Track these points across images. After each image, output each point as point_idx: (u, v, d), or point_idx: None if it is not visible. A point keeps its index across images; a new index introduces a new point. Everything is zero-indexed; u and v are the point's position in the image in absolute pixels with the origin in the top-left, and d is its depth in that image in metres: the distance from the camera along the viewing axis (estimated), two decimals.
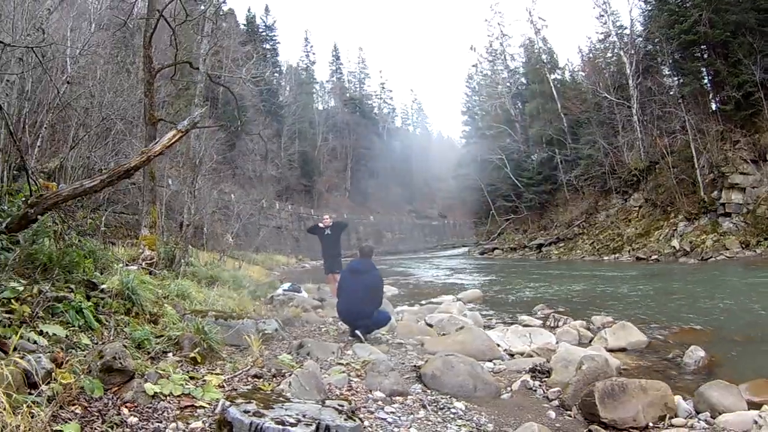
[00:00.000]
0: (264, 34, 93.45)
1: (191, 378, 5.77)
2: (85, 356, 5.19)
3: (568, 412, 6.37)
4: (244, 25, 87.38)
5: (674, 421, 6.04)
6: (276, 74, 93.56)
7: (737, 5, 38.29)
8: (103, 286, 7.34)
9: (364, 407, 5.81)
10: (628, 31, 52.25)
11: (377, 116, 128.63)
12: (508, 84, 72.55)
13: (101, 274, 8.29)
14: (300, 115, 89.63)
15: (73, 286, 6.78)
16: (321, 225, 17.94)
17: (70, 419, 4.16)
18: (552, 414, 6.30)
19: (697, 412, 6.35)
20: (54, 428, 3.87)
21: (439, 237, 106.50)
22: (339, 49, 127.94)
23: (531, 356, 9.46)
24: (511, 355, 9.82)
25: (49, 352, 5.07)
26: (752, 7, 37.83)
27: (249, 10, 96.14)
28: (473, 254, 63.01)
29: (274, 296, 15.79)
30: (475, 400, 6.59)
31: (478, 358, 8.38)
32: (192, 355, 6.52)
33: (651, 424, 5.92)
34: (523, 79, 70.82)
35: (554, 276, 27.96)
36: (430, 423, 5.63)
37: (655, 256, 36.57)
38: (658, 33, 44.15)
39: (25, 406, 3.76)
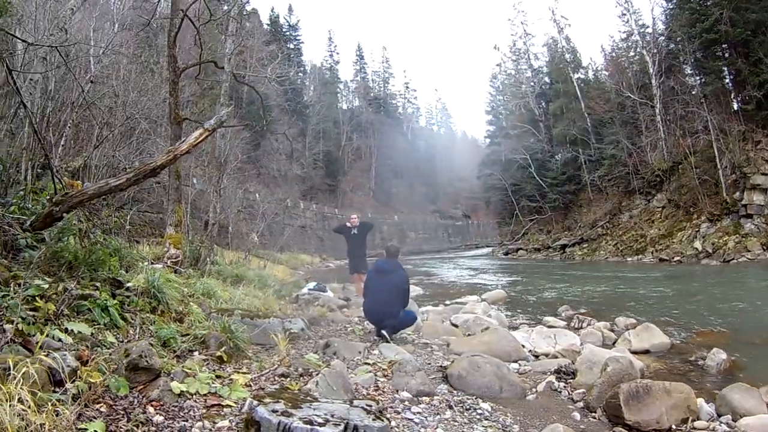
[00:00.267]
0: (288, 33, 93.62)
1: (217, 377, 5.74)
2: (110, 354, 5.16)
3: (593, 414, 6.35)
4: (268, 24, 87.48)
5: (696, 423, 6.02)
6: (300, 74, 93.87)
7: (757, 3, 37.89)
8: (129, 284, 7.33)
9: (391, 407, 5.80)
10: (650, 30, 51.92)
11: (401, 116, 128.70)
12: (532, 83, 72.13)
13: (126, 272, 8.28)
14: (324, 115, 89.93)
15: (98, 284, 6.77)
16: (348, 224, 17.95)
17: (95, 418, 4.13)
18: (577, 415, 6.29)
19: (719, 415, 6.33)
20: (79, 427, 3.83)
21: (463, 237, 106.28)
22: (363, 48, 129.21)
23: (556, 357, 9.39)
24: (536, 356, 9.74)
25: (75, 350, 5.04)
26: None
27: (272, 10, 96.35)
28: (497, 255, 62.86)
29: (299, 295, 15.74)
30: (500, 401, 6.57)
31: (504, 358, 8.36)
32: (218, 353, 6.48)
33: (674, 427, 5.91)
34: (546, 79, 70.45)
35: (577, 277, 27.80)
36: (456, 424, 5.61)
37: (678, 258, 36.22)
38: (680, 32, 43.73)
39: (50, 404, 3.74)
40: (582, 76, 64.39)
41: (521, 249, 59.24)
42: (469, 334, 11.21)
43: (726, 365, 8.64)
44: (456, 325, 12.41)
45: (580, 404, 6.70)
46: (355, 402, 4.59)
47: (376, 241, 54.86)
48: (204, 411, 4.82)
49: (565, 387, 7.43)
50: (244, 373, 6.13)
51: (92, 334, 5.63)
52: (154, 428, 4.30)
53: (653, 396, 5.96)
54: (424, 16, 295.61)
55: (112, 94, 23.97)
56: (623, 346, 10.20)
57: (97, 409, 4.30)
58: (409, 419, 5.53)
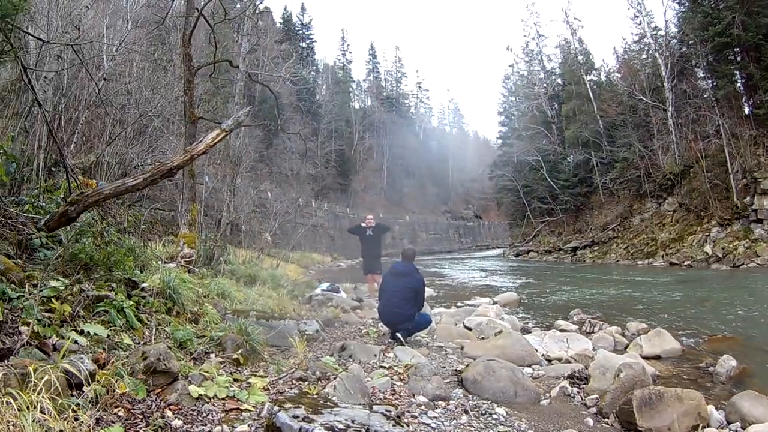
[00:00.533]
0: (300, 32, 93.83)
1: (235, 380, 5.73)
2: (127, 357, 5.13)
3: (606, 420, 6.33)
4: (281, 23, 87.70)
5: (707, 431, 6.00)
6: (313, 73, 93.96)
7: None
8: (144, 285, 7.31)
9: (408, 412, 5.80)
10: (662, 33, 51.46)
11: (414, 115, 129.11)
12: (545, 85, 71.92)
13: (141, 272, 8.27)
14: (337, 114, 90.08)
15: (113, 285, 6.75)
16: (363, 225, 17.92)
17: (113, 422, 4.11)
18: (590, 421, 6.27)
19: (728, 423, 6.33)
20: (97, 431, 3.81)
21: (474, 238, 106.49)
22: (375, 48, 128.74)
23: (569, 362, 9.33)
24: (549, 361, 9.71)
25: (91, 352, 5.03)
26: None
27: (285, 9, 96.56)
28: (508, 256, 62.79)
29: (312, 296, 15.72)
30: (515, 406, 6.54)
31: (518, 363, 8.34)
32: (235, 356, 6.47)
33: None
34: (559, 80, 70.06)
35: (588, 280, 27.73)
36: (473, 429, 5.61)
37: (688, 262, 36.03)
38: (692, 35, 43.47)
39: (70, 410, 3.71)
40: (594, 78, 64.16)
41: (532, 251, 59.14)
42: (482, 338, 11.22)
43: (736, 372, 8.58)
44: (469, 328, 12.34)
45: (593, 410, 6.68)
46: (375, 407, 4.59)
47: (387, 240, 54.92)
48: (222, 415, 4.80)
49: (578, 392, 7.39)
50: (262, 376, 6.12)
51: (108, 336, 5.60)
52: None
53: (665, 403, 5.96)
54: (437, 16, 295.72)
55: (125, 92, 24.02)
56: (635, 351, 10.16)
57: (115, 413, 4.27)
58: (426, 424, 5.51)
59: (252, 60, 42.47)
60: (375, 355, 8.17)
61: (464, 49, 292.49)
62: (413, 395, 6.40)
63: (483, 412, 6.16)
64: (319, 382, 6.18)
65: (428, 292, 19.05)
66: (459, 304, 17.30)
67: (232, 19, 29.54)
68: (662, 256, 39.51)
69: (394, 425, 4.18)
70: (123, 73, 26.28)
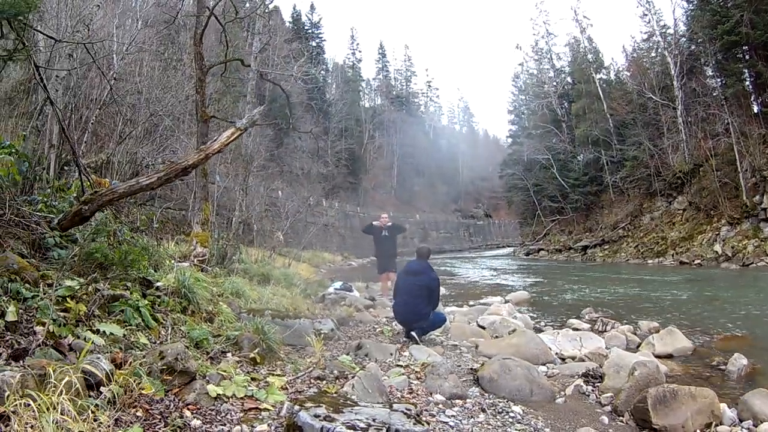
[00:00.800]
0: (310, 31, 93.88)
1: (253, 379, 5.73)
2: (144, 357, 5.10)
3: (621, 418, 6.35)
4: (290, 22, 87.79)
5: (719, 428, 6.02)
6: (323, 72, 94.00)
7: None
8: (159, 284, 7.31)
9: (426, 410, 5.81)
10: (671, 31, 51.54)
11: (423, 114, 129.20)
12: (555, 83, 71.84)
13: (155, 271, 8.26)
14: (347, 113, 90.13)
15: (128, 284, 6.75)
16: (375, 224, 17.89)
17: (131, 422, 4.08)
18: (605, 419, 6.29)
19: (741, 420, 6.32)
20: None
21: (484, 237, 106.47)
22: (385, 47, 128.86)
23: (582, 360, 9.32)
24: (563, 359, 9.70)
25: (108, 352, 5.01)
26: None
27: (294, 8, 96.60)
28: (518, 255, 62.97)
29: (325, 295, 15.72)
30: (531, 405, 6.57)
31: (532, 361, 8.32)
32: (252, 355, 6.47)
33: None
34: (569, 79, 69.96)
35: (598, 279, 27.74)
36: (490, 427, 5.63)
37: (698, 261, 36.09)
38: (701, 33, 43.54)
39: (89, 411, 3.70)
40: (604, 77, 64.04)
41: (542, 249, 59.29)
42: (496, 336, 11.24)
43: (747, 370, 8.63)
44: (483, 327, 12.33)
45: (608, 408, 6.70)
46: (395, 406, 4.60)
47: (398, 240, 54.93)
48: (241, 415, 4.78)
49: (593, 390, 7.40)
50: (279, 375, 6.12)
51: (124, 335, 5.59)
52: None
53: (679, 401, 5.97)
54: (447, 14, 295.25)
55: (136, 91, 24.07)
56: (647, 349, 10.16)
57: (133, 414, 4.25)
58: (444, 422, 5.53)
59: (262, 59, 42.47)
60: (391, 354, 8.19)
61: (474, 48, 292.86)
62: (430, 394, 6.40)
63: (500, 410, 6.18)
64: (337, 380, 6.19)
65: (440, 290, 19.11)
66: (471, 302, 17.34)
67: (242, 18, 29.53)
68: (672, 255, 39.60)
69: (414, 423, 4.17)
70: (133, 72, 26.33)
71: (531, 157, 64.73)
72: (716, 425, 5.99)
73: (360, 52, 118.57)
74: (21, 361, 4.24)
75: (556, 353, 9.92)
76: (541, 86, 73.13)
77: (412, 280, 10.21)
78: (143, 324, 6.10)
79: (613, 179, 53.92)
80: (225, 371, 5.57)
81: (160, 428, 4.17)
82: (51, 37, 12.62)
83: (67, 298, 5.53)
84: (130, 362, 4.84)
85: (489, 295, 19.56)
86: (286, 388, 5.70)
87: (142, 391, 4.53)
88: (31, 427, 3.34)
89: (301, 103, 58.37)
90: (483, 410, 6.07)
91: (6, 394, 3.50)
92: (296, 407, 4.16)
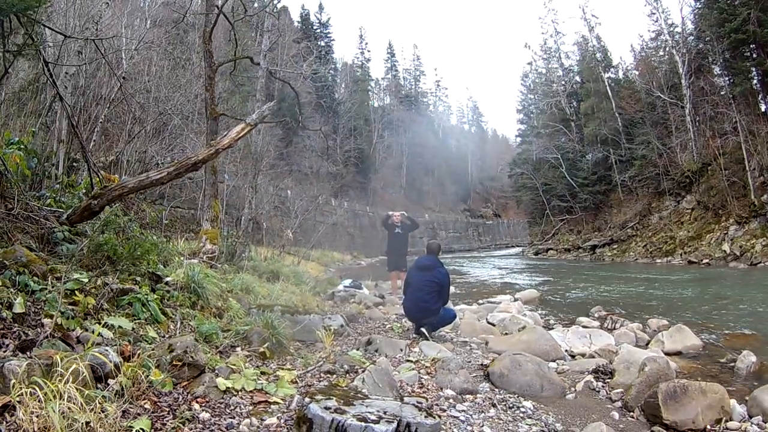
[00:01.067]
0: (318, 31, 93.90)
1: (262, 373, 5.74)
2: (153, 349, 5.11)
3: (631, 414, 6.32)
4: (298, 22, 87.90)
5: (729, 424, 5.96)
6: (331, 71, 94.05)
7: None
8: (168, 279, 7.34)
9: (437, 405, 5.81)
10: (679, 30, 51.35)
11: (432, 114, 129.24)
12: (563, 82, 71.62)
13: (165, 267, 8.27)
14: (356, 112, 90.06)
15: (138, 279, 6.77)
16: (391, 213, 17.87)
17: (139, 414, 4.06)
18: (616, 415, 6.26)
19: (750, 416, 6.28)
20: (124, 424, 3.74)
21: (493, 236, 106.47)
22: (394, 46, 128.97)
23: (592, 357, 9.31)
24: (572, 356, 9.68)
25: (116, 344, 4.99)
26: None
27: (303, 7, 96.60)
28: (527, 254, 62.93)
29: (334, 292, 15.75)
30: (541, 400, 6.56)
31: (542, 358, 8.26)
32: (261, 349, 6.47)
33: (708, 427, 5.87)
34: (577, 78, 69.82)
35: (607, 278, 27.67)
36: (501, 422, 5.62)
37: (707, 260, 36.02)
38: (708, 32, 43.39)
39: (97, 401, 3.66)
40: (612, 76, 63.92)
41: (551, 249, 59.18)
42: (506, 333, 11.18)
43: (756, 368, 8.59)
44: (493, 324, 12.32)
45: (619, 404, 6.68)
46: (406, 399, 4.71)
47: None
48: (251, 408, 4.78)
49: (603, 386, 7.37)
50: (289, 369, 6.13)
51: (133, 329, 5.58)
52: (200, 425, 4.24)
53: (690, 396, 5.96)
54: (455, 14, 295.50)
55: (144, 90, 24.14)
56: (657, 347, 10.12)
57: (141, 406, 4.23)
58: (455, 417, 5.52)
59: (271, 58, 42.57)
60: (401, 350, 8.19)
61: (482, 48, 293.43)
62: (441, 389, 6.40)
63: (510, 405, 6.16)
64: (348, 375, 6.21)
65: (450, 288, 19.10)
66: (480, 301, 17.30)
67: (251, 17, 29.59)
68: (681, 255, 39.54)
69: (426, 416, 4.18)
70: (142, 71, 26.41)
71: (540, 156, 64.69)
72: (726, 421, 5.96)
73: (369, 51, 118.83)
74: (28, 353, 4.24)
75: (566, 350, 9.89)
76: (549, 85, 73.04)
77: (422, 276, 10.18)
78: (152, 318, 6.12)
79: (622, 178, 53.81)
80: (234, 365, 5.58)
81: (168, 420, 4.15)
82: (60, 33, 12.64)
83: (76, 291, 5.56)
84: (139, 355, 4.85)
85: (498, 294, 19.50)
86: (296, 382, 5.70)
87: (155, 380, 4.54)
88: (37, 416, 3.31)
89: (309, 103, 58.45)
90: (494, 405, 6.06)
91: (12, 383, 3.49)
92: (306, 399, 4.16)
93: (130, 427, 3.75)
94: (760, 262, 31.79)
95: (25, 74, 17.77)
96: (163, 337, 5.87)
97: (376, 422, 3.82)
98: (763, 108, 41.81)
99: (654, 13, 54.53)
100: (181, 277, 7.48)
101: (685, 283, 23.57)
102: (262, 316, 7.42)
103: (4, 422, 3.33)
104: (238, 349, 6.48)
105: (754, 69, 41.98)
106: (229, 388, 4.96)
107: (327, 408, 3.95)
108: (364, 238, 58.77)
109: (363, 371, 5.98)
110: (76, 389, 3.56)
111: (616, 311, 14.68)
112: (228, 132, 8.72)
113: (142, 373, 4.49)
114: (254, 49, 37.89)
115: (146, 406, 4.26)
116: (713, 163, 41.74)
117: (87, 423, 3.42)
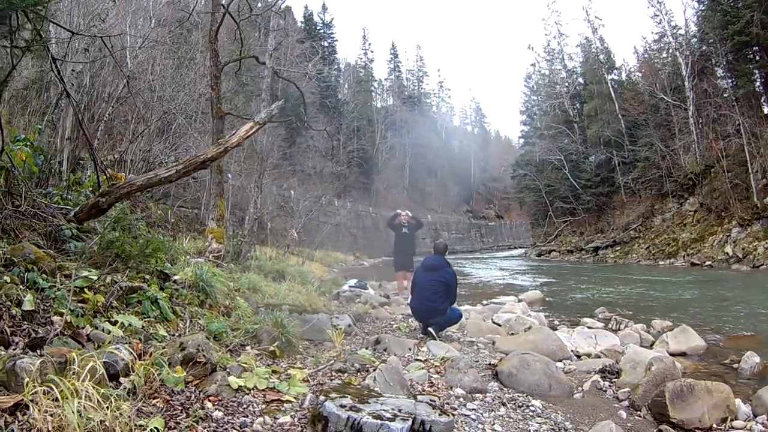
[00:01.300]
0: (322, 31, 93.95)
1: (274, 372, 5.74)
2: (164, 348, 5.11)
3: (638, 413, 6.39)
4: (302, 22, 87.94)
5: (734, 423, 6.03)
6: (335, 72, 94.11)
7: None
8: (176, 277, 7.34)
9: (447, 403, 5.84)
10: (682, 32, 51.56)
11: (435, 115, 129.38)
12: (567, 84, 71.75)
13: (172, 265, 8.26)
14: (359, 113, 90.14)
15: (146, 277, 6.75)
16: (397, 221, 17.85)
17: (152, 413, 4.04)
18: (623, 414, 6.32)
19: (755, 416, 6.34)
20: (137, 423, 3.70)
21: (496, 238, 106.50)
22: (397, 47, 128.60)
23: (598, 357, 9.37)
24: (578, 356, 9.73)
25: (127, 342, 4.98)
26: None
27: (306, 8, 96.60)
28: (530, 256, 63.04)
29: (339, 292, 15.81)
30: (549, 399, 6.62)
31: (549, 358, 8.28)
32: (271, 348, 6.48)
33: (714, 426, 5.93)
34: (581, 79, 69.86)
35: (610, 279, 27.77)
36: (511, 420, 5.68)
37: (709, 262, 36.18)
38: (711, 34, 43.47)
39: (112, 399, 3.63)
40: (616, 78, 64.03)
41: (554, 250, 59.24)
42: (512, 333, 11.23)
43: (759, 368, 8.68)
44: (499, 324, 12.34)
45: (626, 403, 6.73)
46: (419, 397, 4.72)
47: None
48: (264, 406, 4.77)
49: (610, 386, 7.42)
50: (300, 367, 6.14)
51: (143, 327, 5.59)
52: (214, 424, 4.22)
53: (696, 395, 6.01)
54: (459, 15, 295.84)
55: (149, 89, 24.16)
56: (661, 347, 10.21)
57: (154, 405, 4.22)
58: (465, 415, 5.58)
59: (276, 57, 42.65)
60: (409, 349, 8.22)
61: (486, 49, 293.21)
62: (451, 387, 6.45)
63: (520, 404, 6.23)
64: (359, 373, 6.23)
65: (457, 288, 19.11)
66: (485, 302, 17.38)
67: (257, 16, 29.61)
68: (683, 257, 39.73)
69: (440, 414, 4.21)
70: (146, 70, 26.44)
71: (543, 157, 64.86)
72: (732, 420, 6.03)
73: (372, 52, 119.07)
74: (38, 351, 4.23)
75: (572, 350, 9.95)
76: (553, 87, 73.19)
77: (429, 276, 10.19)
78: (161, 316, 6.12)
79: (625, 180, 53.98)
80: (246, 363, 5.56)
81: (181, 419, 4.13)
82: (68, 30, 12.65)
83: (85, 289, 5.54)
84: (150, 353, 4.84)
85: (502, 295, 19.65)
86: (308, 381, 5.70)
87: (162, 382, 4.52)
88: (51, 415, 3.28)
89: (313, 103, 58.50)
90: (503, 404, 6.12)
91: (25, 381, 3.45)
92: (321, 397, 4.16)
93: (145, 425, 3.71)
94: (762, 265, 31.90)
95: (29, 73, 17.79)
96: (173, 335, 5.88)
97: (392, 420, 3.83)
98: (766, 110, 41.95)
99: (657, 15, 54.76)
100: (189, 276, 7.50)
101: (687, 285, 23.72)
102: (271, 315, 7.45)
103: (17, 421, 3.30)
104: (248, 347, 6.49)
105: (757, 71, 42.18)
106: (241, 386, 4.95)
107: (342, 406, 3.96)
108: (367, 238, 58.85)
109: (374, 370, 5.99)
110: (92, 387, 3.53)
111: (620, 312, 14.71)
112: (237, 130, 8.73)
113: (155, 371, 4.48)
114: (258, 49, 37.95)
115: (159, 404, 4.25)
116: (716, 165, 41.90)
117: (102, 422, 3.38)
